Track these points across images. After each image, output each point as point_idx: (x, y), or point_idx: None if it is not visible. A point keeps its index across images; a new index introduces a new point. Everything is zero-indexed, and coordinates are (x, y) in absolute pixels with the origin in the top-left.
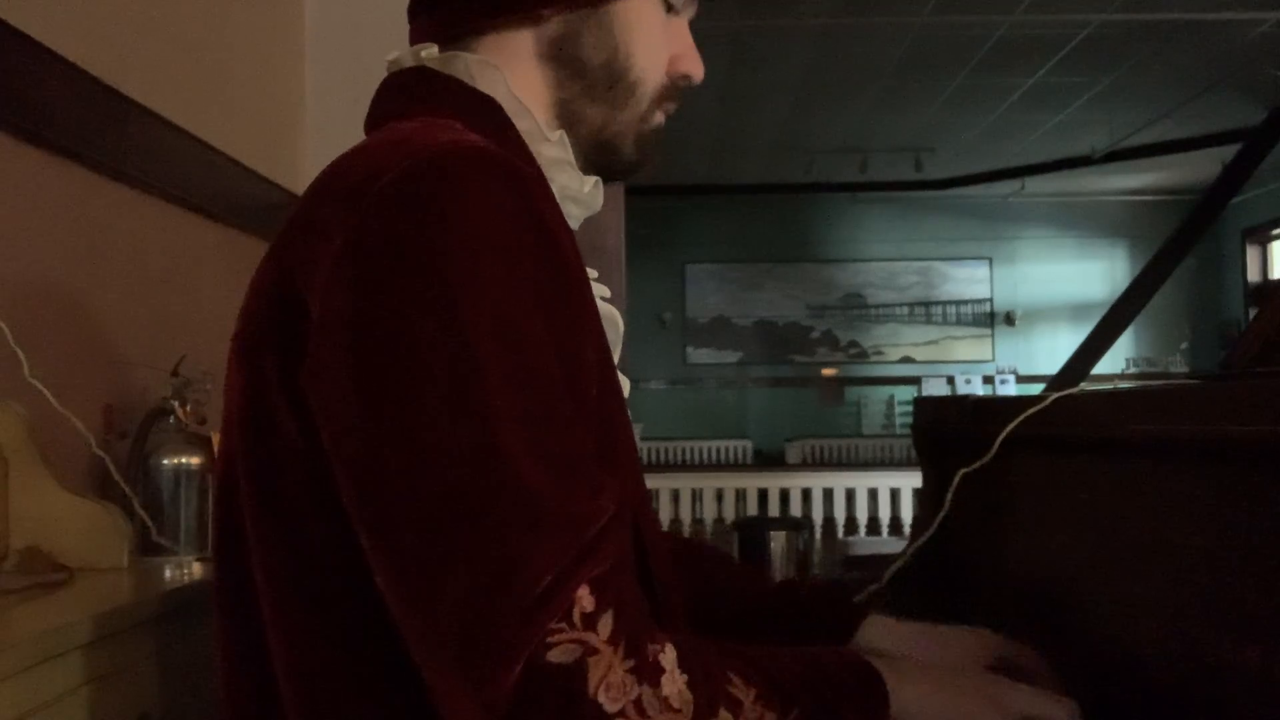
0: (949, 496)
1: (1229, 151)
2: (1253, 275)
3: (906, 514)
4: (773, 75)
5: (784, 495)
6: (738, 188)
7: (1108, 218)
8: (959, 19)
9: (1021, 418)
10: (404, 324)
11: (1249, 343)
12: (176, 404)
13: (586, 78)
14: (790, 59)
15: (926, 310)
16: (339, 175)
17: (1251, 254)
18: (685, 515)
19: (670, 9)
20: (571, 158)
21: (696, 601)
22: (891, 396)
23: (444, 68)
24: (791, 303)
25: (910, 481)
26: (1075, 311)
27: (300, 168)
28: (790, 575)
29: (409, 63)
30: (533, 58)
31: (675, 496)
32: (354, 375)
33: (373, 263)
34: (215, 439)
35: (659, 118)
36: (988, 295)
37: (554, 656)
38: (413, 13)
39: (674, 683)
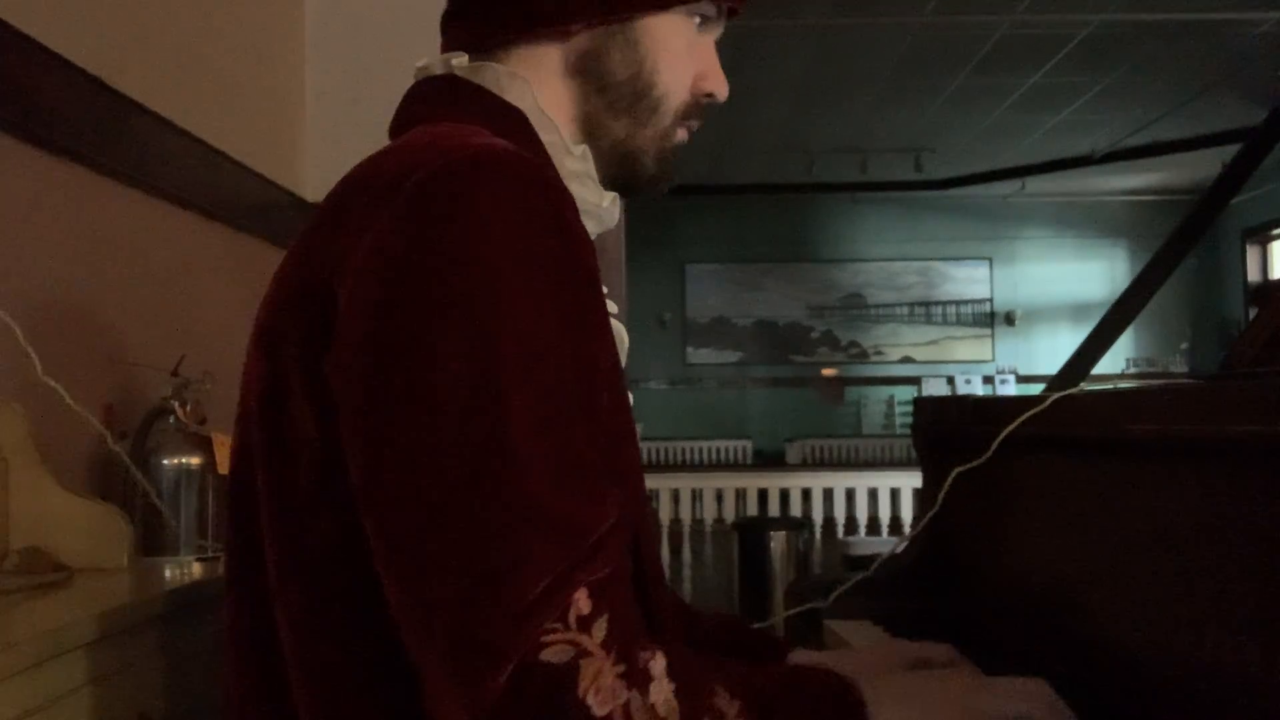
0: (942, 494)
1: (1229, 151)
2: (1253, 275)
3: (906, 514)
4: (773, 75)
5: (784, 495)
6: (738, 188)
7: (1108, 218)
8: (959, 19)
9: (1022, 418)
10: (427, 320)
11: (1249, 343)
12: (176, 404)
13: (611, 93)
14: (790, 59)
15: (926, 310)
16: (372, 172)
17: (1251, 254)
18: (685, 515)
19: (703, 20)
20: (593, 172)
21: None
22: (891, 396)
23: (473, 77)
24: (791, 303)
25: (910, 481)
26: (1075, 311)
27: (300, 168)
28: (790, 575)
29: (439, 70)
30: (559, 71)
31: (675, 496)
32: (374, 366)
33: (401, 259)
34: (215, 439)
35: (681, 134)
36: (988, 295)
37: (547, 656)
38: (446, 20)
39: (662, 690)
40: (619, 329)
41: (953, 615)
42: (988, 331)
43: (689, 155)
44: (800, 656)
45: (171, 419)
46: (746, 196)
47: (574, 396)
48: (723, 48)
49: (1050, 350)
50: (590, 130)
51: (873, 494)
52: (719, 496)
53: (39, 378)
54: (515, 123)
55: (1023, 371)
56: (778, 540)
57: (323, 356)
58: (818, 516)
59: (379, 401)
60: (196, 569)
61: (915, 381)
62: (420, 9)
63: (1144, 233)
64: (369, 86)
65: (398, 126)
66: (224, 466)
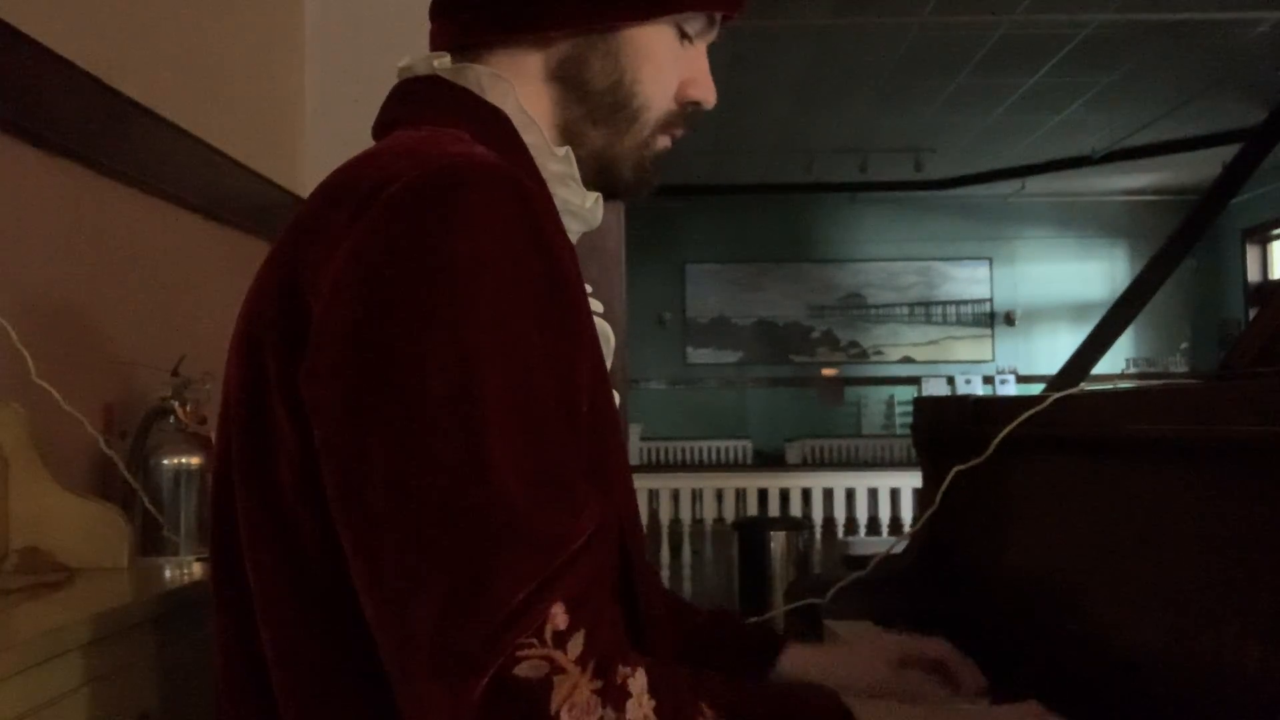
0: (940, 494)
1: (1229, 151)
2: (1253, 275)
3: (906, 514)
4: (773, 75)
5: (784, 495)
6: (738, 188)
7: (1108, 218)
8: (959, 19)
9: (1021, 418)
10: (403, 333)
11: (1249, 343)
12: (176, 404)
13: (590, 101)
14: (790, 59)
15: (926, 310)
16: (347, 181)
17: (1251, 254)
18: (685, 515)
19: (684, 37)
20: (576, 173)
21: None
22: (891, 396)
23: (455, 78)
24: (791, 303)
25: (910, 481)
26: (1075, 311)
27: (300, 168)
28: (790, 575)
29: (421, 70)
30: (540, 77)
31: (675, 496)
32: (350, 379)
33: (377, 270)
34: (215, 439)
35: (663, 143)
36: (988, 295)
37: (521, 671)
38: (432, 14)
39: (640, 708)
40: (604, 328)
41: (952, 615)
42: (988, 331)
43: (689, 155)
44: (795, 651)
45: (171, 419)
46: (746, 196)
47: (552, 407)
48: (722, 48)
49: (1050, 350)
50: (569, 137)
51: (873, 494)
52: (719, 496)
53: (36, 379)
54: (497, 124)
55: (1023, 371)
56: (778, 540)
57: (298, 366)
58: (818, 516)
59: (354, 414)
60: (196, 569)
61: (915, 381)
62: (420, 9)
63: (1144, 233)
64: (369, 86)
65: (380, 127)
66: None
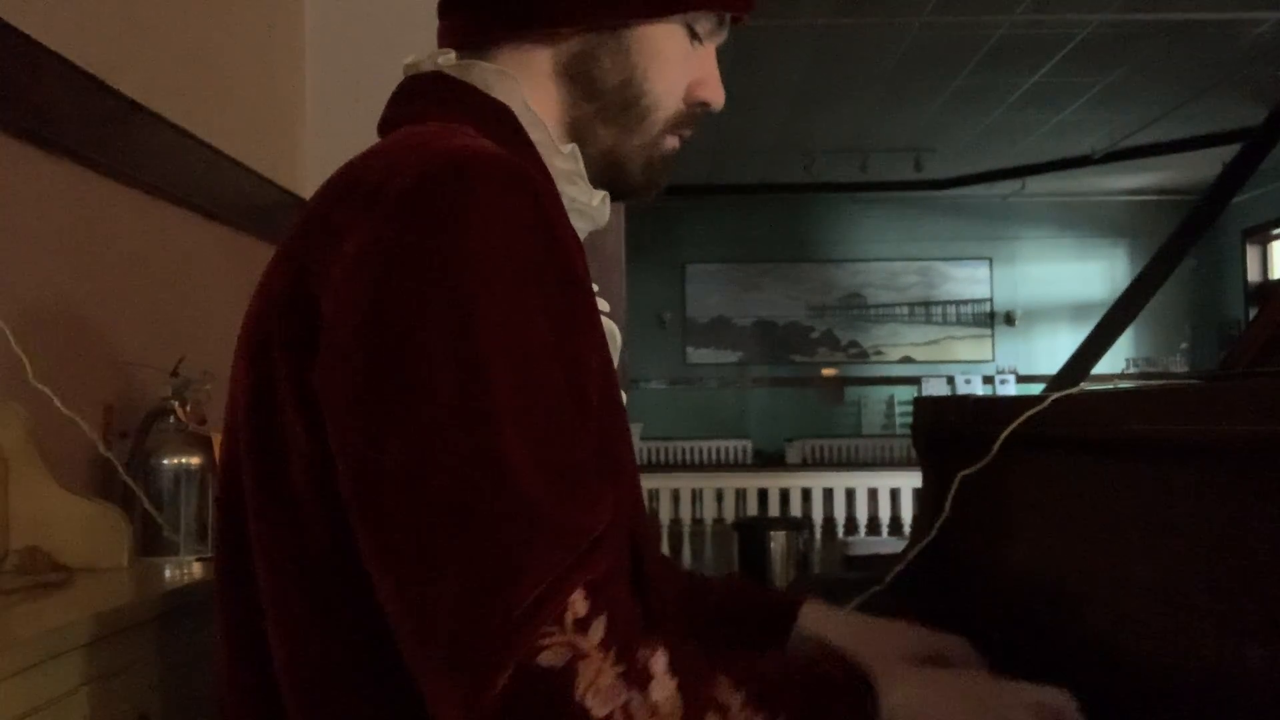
0: (948, 500)
1: (1229, 151)
2: (1253, 275)
3: (906, 514)
4: (773, 75)
5: (784, 495)
6: (738, 188)
7: (1108, 218)
8: (959, 19)
9: (1022, 418)
10: (414, 328)
11: (1249, 343)
12: (176, 404)
13: (600, 99)
14: (790, 59)
15: (926, 310)
16: (355, 177)
17: (1251, 254)
18: (685, 515)
19: (694, 37)
20: (583, 170)
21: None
22: (891, 396)
23: (461, 75)
24: (791, 303)
25: (910, 481)
26: (1075, 311)
27: (300, 168)
28: (790, 575)
29: (427, 67)
30: (549, 74)
31: (675, 496)
32: (363, 375)
33: (386, 265)
34: (216, 439)
35: (671, 143)
36: (988, 295)
37: (544, 659)
38: (440, 12)
39: (663, 688)
40: (611, 327)
41: (951, 614)
42: (988, 331)
43: (689, 155)
44: (814, 612)
45: (171, 419)
46: (746, 196)
47: (564, 399)
48: (723, 48)
49: (1050, 350)
50: (578, 133)
51: (873, 494)
52: (719, 496)
53: (33, 381)
54: (503, 121)
55: (1023, 371)
56: (778, 540)
57: (309, 366)
58: (818, 516)
59: (367, 411)
60: (196, 569)
61: (915, 381)
62: (420, 9)
63: (1144, 233)
64: (369, 86)
65: (386, 125)
66: None
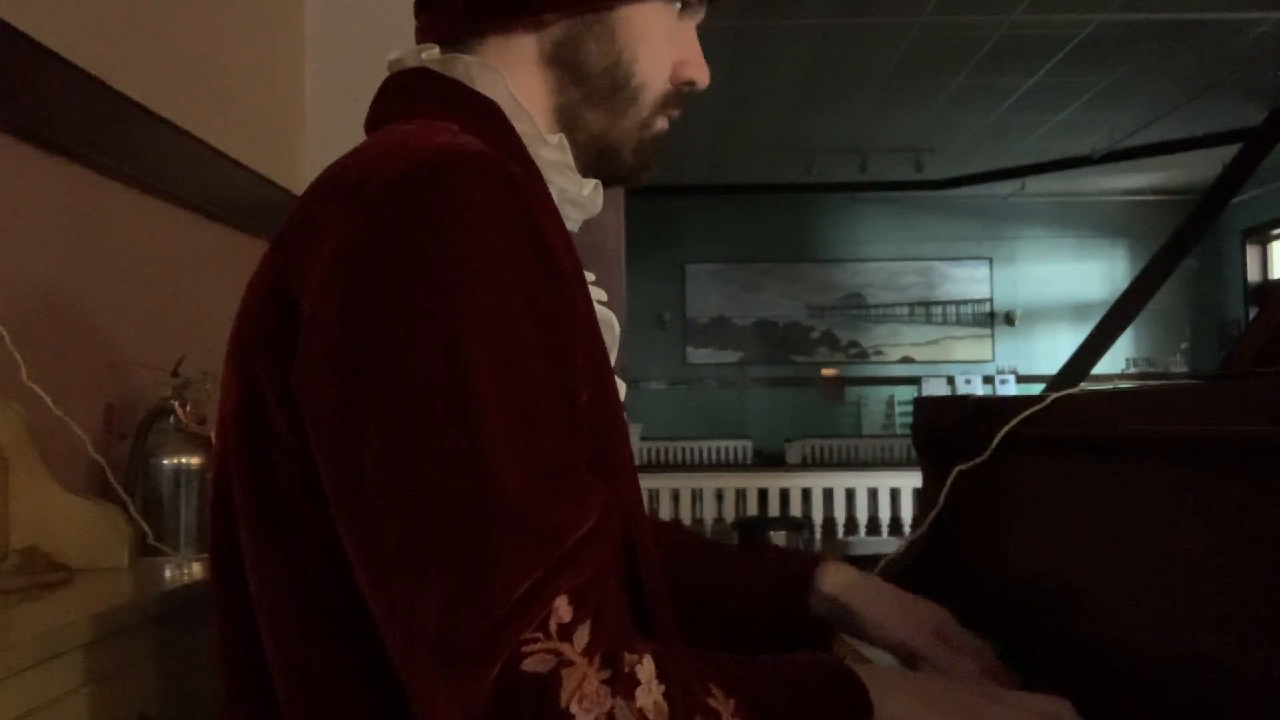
0: (943, 494)
1: (1229, 151)
2: (1253, 275)
3: (906, 514)
4: (773, 75)
5: (784, 495)
6: (738, 188)
7: (1108, 218)
8: (959, 19)
9: (1021, 417)
10: (395, 327)
11: (1249, 343)
12: (176, 404)
13: (588, 84)
14: (790, 59)
15: (926, 310)
16: (336, 176)
17: (1251, 254)
18: (685, 515)
19: (685, 6)
20: (571, 161)
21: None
22: (891, 396)
23: (444, 69)
24: (791, 303)
25: (910, 481)
26: (1075, 311)
27: (300, 168)
28: None
29: (410, 63)
30: (534, 62)
31: (675, 496)
32: (343, 376)
33: (366, 265)
34: (214, 440)
35: (661, 124)
36: (988, 295)
37: (528, 666)
38: (417, 9)
39: (650, 694)
40: (608, 316)
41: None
42: (988, 331)
43: (689, 155)
44: (834, 572)
45: (171, 419)
46: (746, 196)
47: (550, 397)
48: (722, 48)
49: (1050, 350)
50: (566, 121)
51: (873, 494)
52: (719, 496)
53: (27, 382)
54: (488, 115)
55: (1023, 371)
56: (778, 540)
57: (290, 365)
58: (818, 516)
59: (348, 410)
60: (196, 569)
61: (915, 381)
62: None
63: (1144, 233)
64: (369, 86)
65: (372, 123)
66: None
